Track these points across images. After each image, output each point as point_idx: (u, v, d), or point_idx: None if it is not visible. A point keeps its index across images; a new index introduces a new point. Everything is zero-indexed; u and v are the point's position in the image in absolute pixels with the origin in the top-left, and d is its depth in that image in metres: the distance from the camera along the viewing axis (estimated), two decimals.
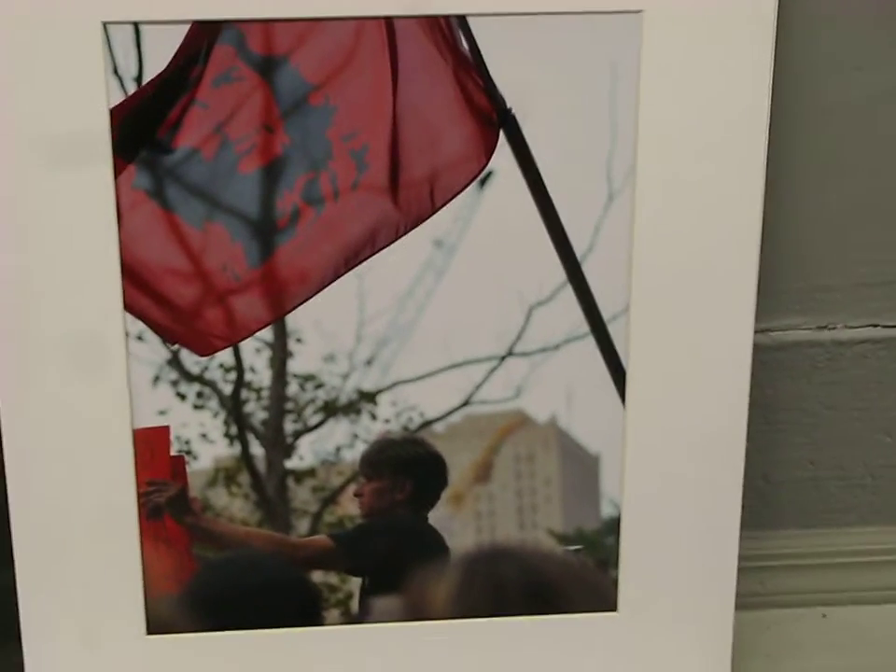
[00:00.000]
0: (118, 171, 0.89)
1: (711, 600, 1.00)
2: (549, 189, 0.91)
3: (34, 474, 0.93)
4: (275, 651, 0.98)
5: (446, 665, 0.99)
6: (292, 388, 0.94)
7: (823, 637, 1.11)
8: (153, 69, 0.88)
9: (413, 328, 0.94)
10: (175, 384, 0.93)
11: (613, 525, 0.97)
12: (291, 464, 0.96)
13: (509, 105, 0.90)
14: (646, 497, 0.97)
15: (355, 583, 0.98)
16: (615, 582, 0.98)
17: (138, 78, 0.88)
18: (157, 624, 0.97)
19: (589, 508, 0.98)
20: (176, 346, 0.93)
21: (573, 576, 1.00)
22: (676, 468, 0.96)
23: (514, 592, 0.98)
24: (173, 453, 0.95)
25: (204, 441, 0.95)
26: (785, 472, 1.11)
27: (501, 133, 0.91)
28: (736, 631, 1.00)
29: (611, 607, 0.99)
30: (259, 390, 0.94)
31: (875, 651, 1.10)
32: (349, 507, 0.97)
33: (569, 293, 0.93)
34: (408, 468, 0.97)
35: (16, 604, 0.96)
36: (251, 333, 0.93)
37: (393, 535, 0.98)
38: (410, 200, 0.91)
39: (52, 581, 0.96)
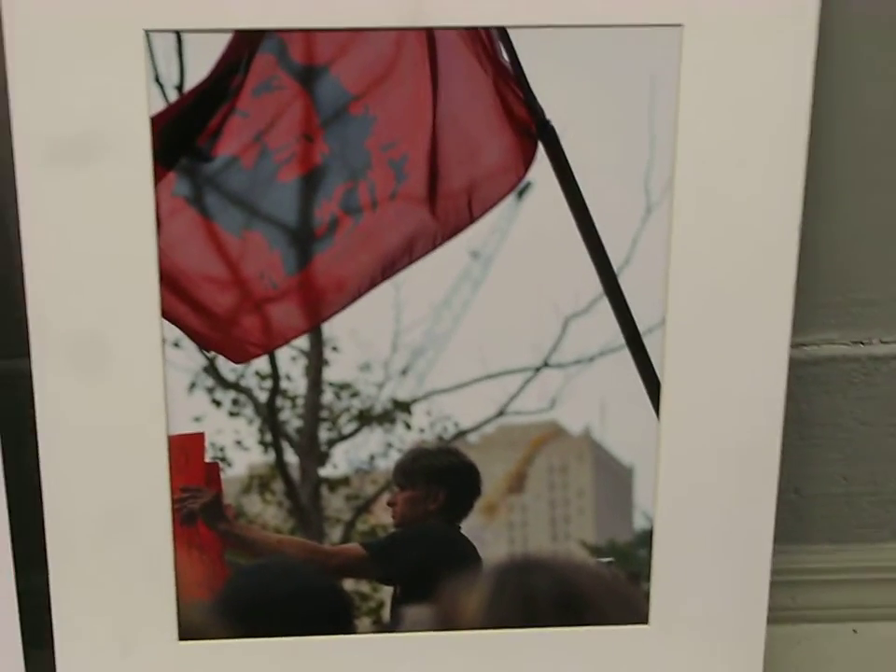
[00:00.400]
0: (158, 178, 0.89)
1: (743, 614, 0.99)
2: (587, 200, 0.91)
3: (69, 479, 0.94)
4: (307, 658, 0.98)
5: None
6: (327, 397, 0.94)
7: (854, 653, 1.11)
8: (194, 77, 0.89)
9: (449, 338, 0.94)
10: (210, 390, 0.94)
11: (646, 538, 0.97)
12: (325, 472, 0.96)
13: (548, 117, 0.90)
14: (679, 510, 0.97)
15: (386, 592, 0.98)
16: (647, 595, 0.98)
17: (179, 87, 0.89)
18: (189, 631, 0.97)
19: (622, 520, 0.98)
20: (213, 353, 0.93)
21: (605, 588, 0.99)
22: (709, 481, 0.96)
23: (546, 603, 0.98)
24: (207, 459, 0.95)
25: (239, 448, 0.95)
26: (818, 487, 1.10)
27: (540, 145, 0.91)
28: (767, 645, 1.00)
29: (643, 619, 0.99)
30: (294, 398, 0.95)
31: None
32: (382, 516, 0.97)
33: (605, 305, 0.93)
34: (441, 477, 0.97)
35: (49, 609, 0.96)
36: (287, 341, 0.93)
37: (425, 544, 0.98)
38: (448, 210, 0.92)
39: (85, 586, 0.96)
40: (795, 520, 1.10)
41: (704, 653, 1.00)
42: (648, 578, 0.98)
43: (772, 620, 1.00)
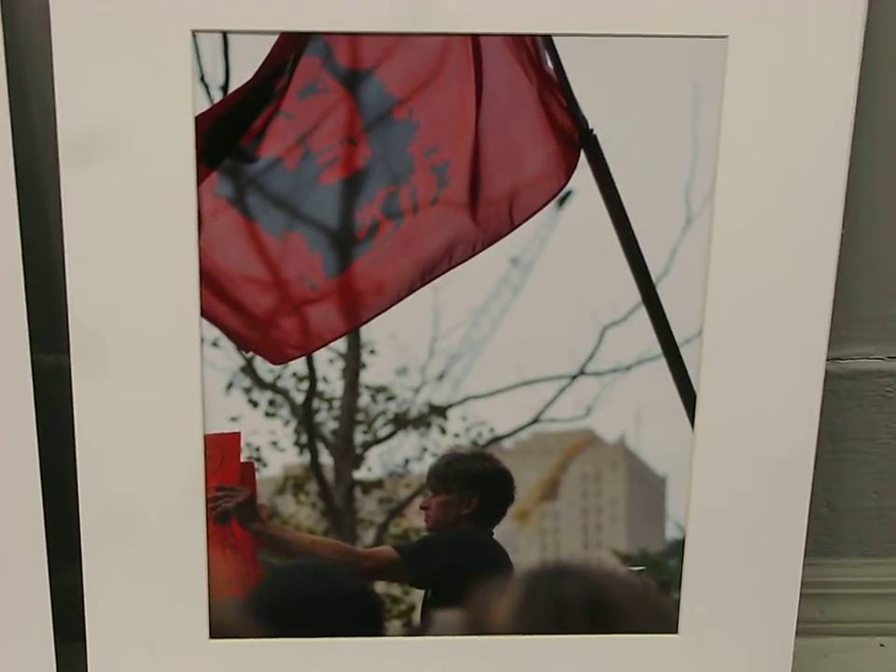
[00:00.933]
0: (201, 178, 0.90)
1: (772, 626, 0.99)
2: (627, 210, 0.92)
3: (104, 476, 0.94)
4: (336, 659, 0.98)
5: None
6: (363, 400, 0.95)
7: (881, 667, 1.11)
8: (240, 79, 0.89)
9: (487, 343, 0.94)
10: (247, 391, 0.94)
11: (677, 547, 0.97)
12: (360, 475, 0.96)
13: (591, 126, 0.90)
14: (711, 521, 0.97)
15: (418, 595, 0.98)
16: (677, 604, 0.98)
17: (224, 87, 0.89)
18: (220, 629, 0.98)
19: (654, 529, 0.98)
20: (251, 354, 0.94)
21: (635, 596, 1.00)
22: (742, 492, 0.96)
23: (576, 610, 0.99)
24: (243, 459, 0.95)
25: (275, 448, 0.95)
26: (849, 501, 1.10)
27: (582, 154, 0.91)
28: (794, 657, 1.00)
29: (672, 629, 0.99)
30: (330, 400, 0.95)
31: None
32: (415, 519, 0.97)
33: (643, 315, 0.94)
34: (475, 482, 0.97)
35: (81, 604, 0.97)
36: (325, 343, 0.94)
37: (457, 549, 0.98)
38: (488, 217, 0.92)
39: (118, 582, 0.96)
40: (826, 533, 1.10)
41: (732, 664, 1.00)
42: (678, 587, 0.98)
43: (800, 632, 1.00)
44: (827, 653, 1.11)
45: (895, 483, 1.10)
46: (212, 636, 0.98)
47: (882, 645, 1.13)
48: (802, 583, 0.98)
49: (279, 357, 0.94)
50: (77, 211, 0.89)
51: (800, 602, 0.99)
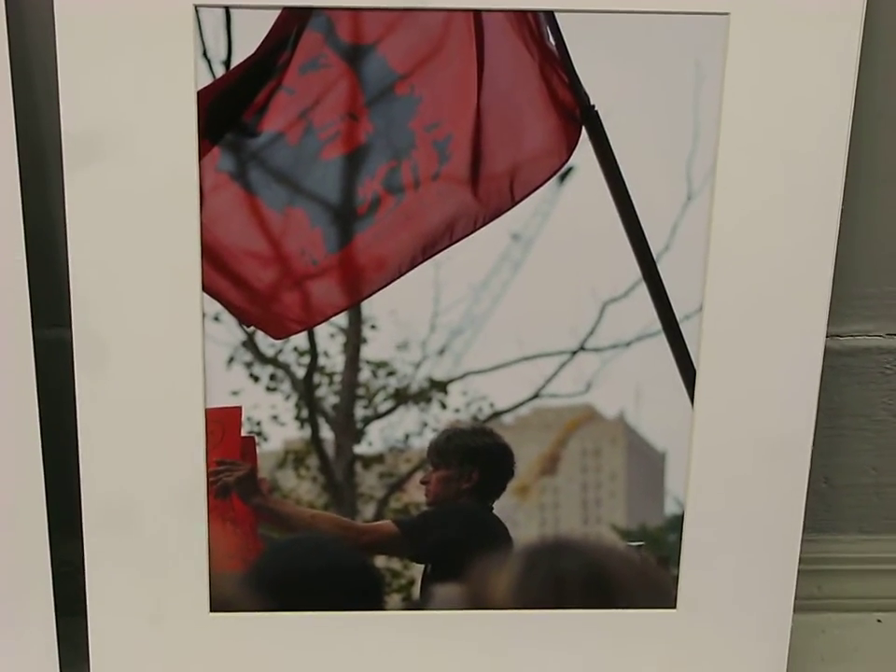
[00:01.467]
0: (202, 153, 0.90)
1: (770, 602, 1.00)
2: (628, 186, 0.92)
3: (105, 449, 0.94)
4: (336, 633, 0.99)
5: (505, 654, 1.00)
6: (364, 374, 0.95)
7: (878, 643, 1.11)
8: (242, 53, 0.89)
9: (487, 319, 0.94)
10: (248, 365, 0.94)
11: (676, 523, 0.98)
12: (360, 449, 0.97)
13: (592, 102, 0.91)
14: (710, 496, 0.97)
15: (417, 570, 0.99)
16: (675, 580, 0.99)
17: (227, 62, 0.89)
18: (220, 603, 0.98)
19: (653, 504, 0.98)
20: (252, 328, 0.94)
21: (634, 571, 1.00)
22: (741, 468, 0.97)
23: (575, 585, 0.99)
24: (243, 433, 0.96)
25: (275, 423, 0.96)
26: (847, 477, 1.11)
27: (583, 130, 0.91)
28: (791, 633, 1.01)
29: (670, 604, 0.99)
30: (331, 375, 0.95)
31: None
32: (415, 494, 0.98)
33: (644, 291, 0.94)
34: (475, 457, 0.97)
35: (82, 579, 0.97)
36: (326, 318, 0.94)
37: (457, 523, 0.99)
38: (489, 192, 0.92)
39: (119, 556, 0.97)
40: (824, 509, 1.11)
41: (730, 639, 1.01)
42: (677, 563, 0.99)
43: (798, 608, 1.00)
44: (824, 629, 1.11)
45: (893, 460, 1.10)
46: (212, 609, 0.98)
47: (879, 621, 1.13)
48: (800, 559, 0.99)
49: (280, 332, 0.94)
50: (79, 186, 0.90)
51: (798, 578, 0.99)
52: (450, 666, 1.00)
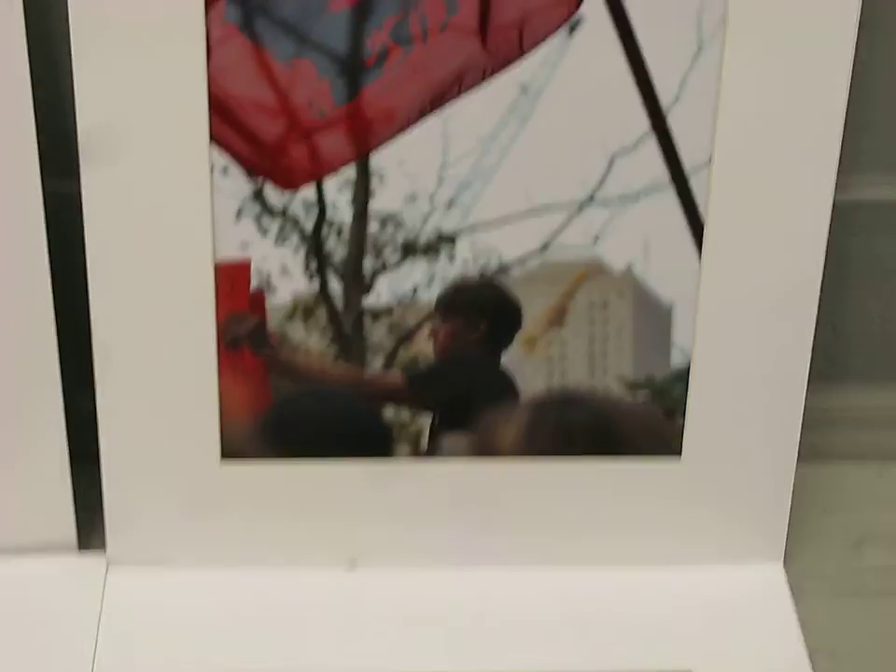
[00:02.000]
0: (209, 3, 0.89)
1: (774, 451, 1.01)
2: (638, 37, 0.91)
3: (116, 301, 0.95)
4: (346, 481, 1.01)
5: (512, 501, 1.02)
6: (373, 227, 0.95)
7: (880, 493, 1.13)
8: None
9: (495, 171, 0.94)
10: (257, 218, 0.94)
11: (683, 375, 0.99)
12: (368, 302, 0.97)
13: None
14: (716, 349, 0.98)
15: (425, 420, 1.00)
16: (681, 430, 1.00)
17: None
18: (231, 451, 0.99)
19: (660, 357, 0.99)
20: (261, 181, 0.94)
21: (640, 422, 1.01)
22: (747, 320, 0.97)
23: (581, 435, 1.00)
24: (253, 287, 0.96)
25: (284, 276, 0.96)
26: (853, 326, 1.11)
27: None
28: (794, 484, 1.02)
29: (676, 453, 1.01)
30: (339, 228, 0.95)
31: None
32: (424, 347, 0.98)
33: (653, 143, 0.93)
34: (483, 310, 0.98)
35: (95, 428, 0.99)
36: (334, 170, 0.94)
37: (465, 375, 1.00)
38: (498, 43, 0.91)
39: (131, 405, 0.98)
40: (829, 360, 1.11)
41: (734, 488, 1.02)
42: (682, 414, 1.00)
43: (801, 458, 1.01)
44: (827, 479, 1.13)
45: None
46: (223, 456, 1.00)
47: (881, 473, 1.15)
48: (805, 410, 1.00)
49: (289, 184, 0.94)
50: (85, 32, 0.88)
51: (802, 429, 1.01)
52: (457, 513, 1.02)
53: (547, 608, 1.02)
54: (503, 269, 0.96)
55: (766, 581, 1.04)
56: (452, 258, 0.96)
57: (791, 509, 1.03)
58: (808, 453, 1.05)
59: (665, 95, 0.92)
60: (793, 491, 1.03)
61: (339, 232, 0.95)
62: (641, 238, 0.96)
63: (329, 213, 0.95)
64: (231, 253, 0.95)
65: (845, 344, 1.12)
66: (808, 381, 0.99)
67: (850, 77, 0.91)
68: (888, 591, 1.06)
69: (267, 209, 0.94)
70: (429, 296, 0.97)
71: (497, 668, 0.97)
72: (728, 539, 1.04)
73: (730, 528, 1.04)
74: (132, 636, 0.99)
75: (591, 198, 0.95)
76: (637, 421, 1.01)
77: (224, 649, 0.99)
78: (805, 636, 1.00)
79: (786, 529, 1.04)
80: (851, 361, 1.13)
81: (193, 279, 0.95)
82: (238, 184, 0.94)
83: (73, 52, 0.89)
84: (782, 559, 1.05)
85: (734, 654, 0.99)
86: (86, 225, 0.93)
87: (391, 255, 0.96)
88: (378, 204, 0.95)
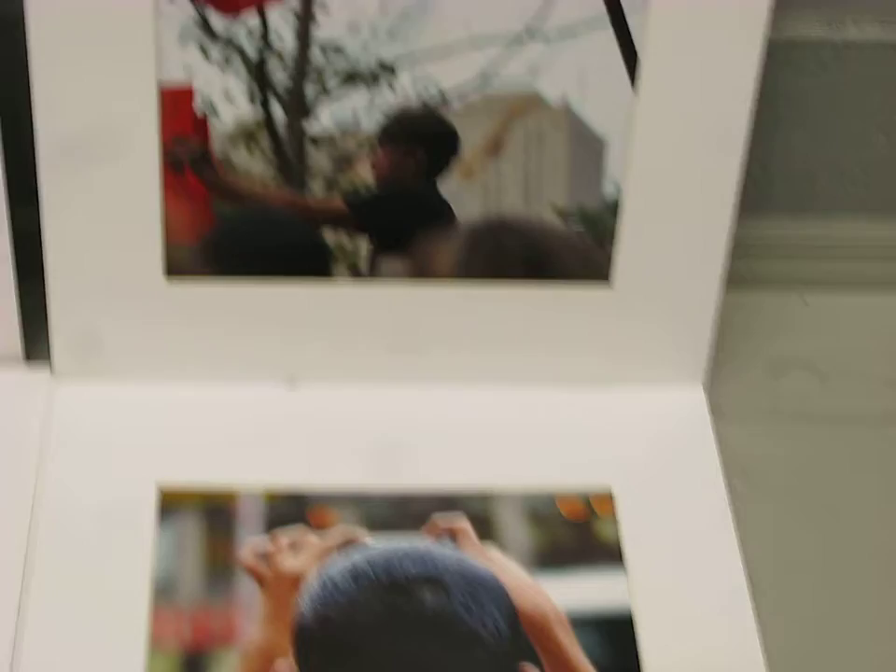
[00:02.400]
0: None
1: (700, 280, 1.04)
2: None
3: (60, 121, 0.96)
4: (287, 301, 1.04)
5: (448, 323, 1.05)
6: (315, 55, 0.96)
7: (802, 321, 1.17)
8: None
9: (436, 1, 0.95)
10: (201, 44, 0.95)
11: (614, 206, 1.01)
12: (311, 128, 0.99)
13: None
14: (647, 181, 1.00)
15: (364, 244, 1.03)
16: (610, 258, 1.03)
17: None
18: (175, 270, 1.02)
19: (593, 187, 1.02)
20: (203, 5, 0.94)
21: (573, 249, 1.04)
22: (679, 154, 0.99)
23: (516, 261, 1.03)
24: (196, 112, 0.97)
25: (227, 101, 0.97)
26: (781, 163, 1.14)
27: None
28: (720, 310, 1.06)
29: (605, 279, 1.04)
30: (282, 55, 0.96)
31: (850, 335, 1.17)
32: (364, 173, 1.00)
33: None
34: (422, 138, 1.00)
35: (40, 245, 1.00)
36: None
37: (404, 201, 1.02)
38: None
39: (77, 224, 1.00)
40: (758, 194, 1.14)
41: (660, 313, 1.06)
42: (612, 242, 1.03)
43: (728, 287, 1.05)
44: (753, 308, 1.16)
45: (827, 149, 1.13)
46: (168, 273, 1.02)
47: (806, 302, 1.19)
48: (733, 241, 1.03)
49: (230, 7, 0.95)
50: None
51: (731, 259, 1.04)
52: (394, 333, 1.06)
53: (473, 425, 1.06)
54: (443, 99, 0.98)
55: (687, 403, 1.08)
56: (392, 87, 0.97)
57: (716, 334, 1.07)
58: (736, 280, 1.08)
59: None
60: (719, 318, 1.06)
61: (282, 59, 0.96)
62: (578, 72, 0.98)
63: (273, 40, 0.96)
64: (175, 76, 0.96)
65: (769, 178, 1.15)
66: (738, 213, 1.02)
67: None
68: (803, 414, 1.10)
69: (210, 34, 0.95)
70: (370, 125, 0.99)
71: (424, 483, 1.02)
72: (652, 361, 1.08)
73: (655, 351, 1.08)
74: (75, 445, 1.02)
75: (529, 30, 0.96)
76: (569, 248, 1.04)
77: (165, 461, 1.02)
78: (722, 455, 1.04)
79: (708, 353, 1.07)
80: (776, 194, 1.16)
81: (137, 101, 0.96)
82: (182, 8, 0.94)
83: None
84: (703, 382, 1.09)
85: (652, 472, 1.04)
86: (29, 44, 0.93)
87: (333, 82, 0.97)
88: (321, 33, 0.96)
